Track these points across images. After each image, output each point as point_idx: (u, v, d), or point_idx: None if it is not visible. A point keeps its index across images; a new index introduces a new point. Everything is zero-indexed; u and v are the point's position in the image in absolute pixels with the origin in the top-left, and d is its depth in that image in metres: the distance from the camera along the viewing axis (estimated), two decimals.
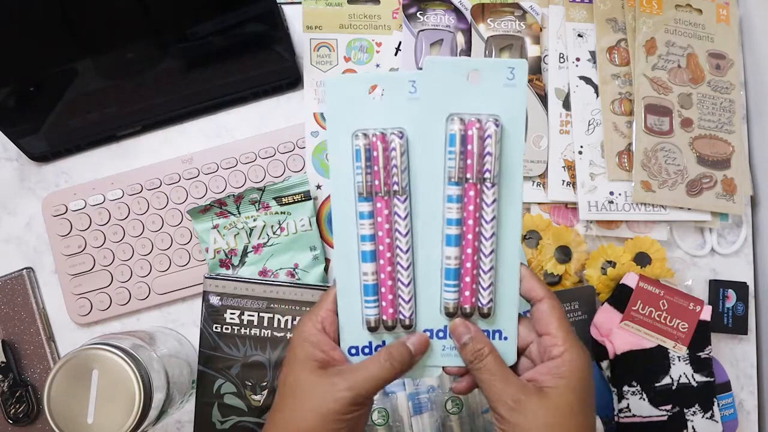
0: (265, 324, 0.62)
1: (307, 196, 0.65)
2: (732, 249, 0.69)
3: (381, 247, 0.43)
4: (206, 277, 0.63)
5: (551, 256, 0.66)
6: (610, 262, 0.66)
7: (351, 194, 0.43)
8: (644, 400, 0.61)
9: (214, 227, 0.66)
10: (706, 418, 0.61)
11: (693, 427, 0.60)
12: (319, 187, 0.68)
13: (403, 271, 0.43)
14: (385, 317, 0.44)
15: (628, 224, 0.68)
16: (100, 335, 0.62)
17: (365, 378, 0.41)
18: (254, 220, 0.66)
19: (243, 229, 0.66)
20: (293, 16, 0.70)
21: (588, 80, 0.69)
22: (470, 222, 0.42)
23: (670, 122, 0.67)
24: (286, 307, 0.62)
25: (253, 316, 0.62)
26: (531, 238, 0.66)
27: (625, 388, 0.61)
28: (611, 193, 0.67)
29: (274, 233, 0.66)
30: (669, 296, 0.62)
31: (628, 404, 0.61)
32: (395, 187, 0.42)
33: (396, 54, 0.69)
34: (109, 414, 0.53)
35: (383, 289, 0.43)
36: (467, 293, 0.43)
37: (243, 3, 0.62)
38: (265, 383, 0.62)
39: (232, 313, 0.62)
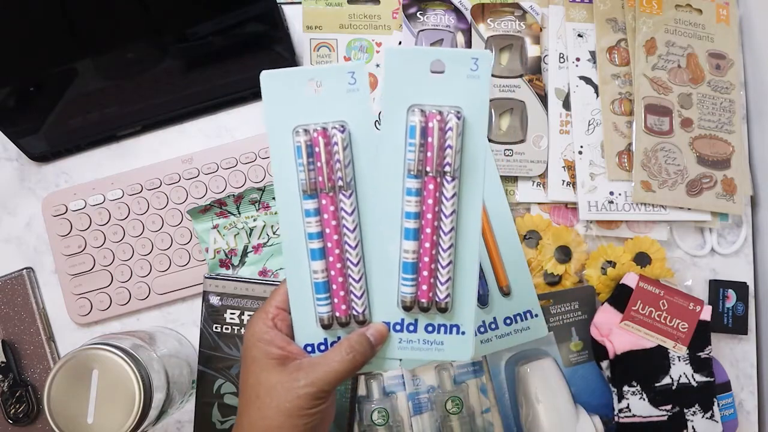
0: None
1: None
2: (732, 249, 0.69)
3: (329, 245, 0.43)
4: (206, 277, 0.63)
5: (551, 256, 0.66)
6: (610, 262, 0.66)
7: (295, 192, 0.43)
8: (644, 400, 0.61)
9: (214, 227, 0.66)
10: (706, 418, 0.61)
11: (693, 427, 0.60)
12: None
13: (353, 267, 0.43)
14: (338, 314, 0.44)
15: (628, 224, 0.68)
16: (100, 335, 0.62)
17: (327, 371, 0.41)
18: (254, 220, 0.66)
19: (243, 229, 0.66)
20: (293, 16, 0.70)
21: (588, 80, 0.69)
22: (429, 216, 0.42)
23: (670, 122, 0.67)
24: None
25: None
26: (531, 238, 0.66)
27: (625, 388, 0.61)
28: (611, 193, 0.67)
29: (274, 233, 0.66)
30: (669, 296, 0.62)
31: (628, 404, 0.61)
32: (340, 183, 0.42)
33: None
34: (109, 414, 0.53)
35: (334, 286, 0.43)
36: (425, 287, 0.43)
37: (243, 3, 0.62)
38: None
39: (232, 313, 0.62)
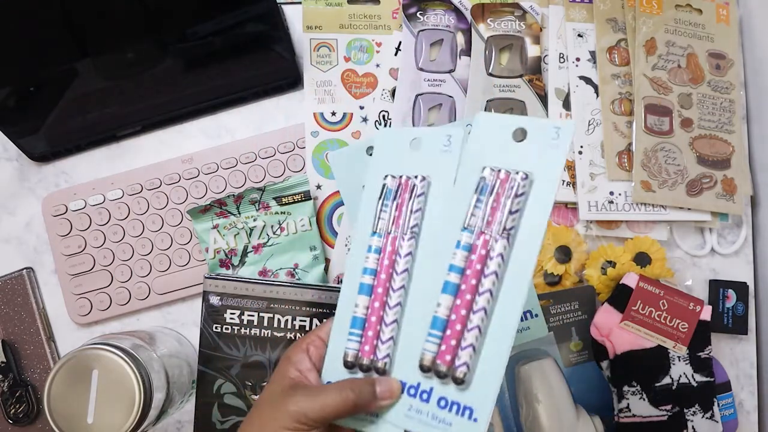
0: (265, 324, 0.62)
1: (307, 196, 0.65)
2: (732, 249, 0.69)
3: (375, 283, 0.44)
4: (206, 277, 0.63)
5: (551, 256, 0.66)
6: (610, 262, 0.66)
7: (369, 231, 0.45)
8: (644, 400, 0.61)
9: (214, 227, 0.66)
10: (706, 418, 0.61)
11: (693, 427, 0.60)
12: (319, 187, 0.68)
13: (388, 310, 0.43)
14: (360, 354, 0.43)
15: (628, 224, 0.68)
16: (100, 335, 0.62)
17: (318, 400, 0.40)
18: (254, 220, 0.66)
19: (243, 229, 0.66)
20: (293, 16, 0.70)
21: (588, 80, 0.69)
22: (469, 272, 0.40)
23: (670, 122, 0.67)
24: (286, 307, 0.62)
25: (253, 316, 0.62)
26: None
27: (625, 388, 0.61)
28: (611, 193, 0.67)
29: (274, 233, 0.66)
30: (669, 296, 0.62)
31: (628, 404, 0.61)
32: (404, 227, 0.43)
33: (396, 54, 0.69)
34: (109, 414, 0.53)
35: (367, 325, 0.43)
36: (443, 348, 0.40)
37: (243, 3, 0.62)
38: (265, 383, 0.62)
39: (232, 313, 0.62)
